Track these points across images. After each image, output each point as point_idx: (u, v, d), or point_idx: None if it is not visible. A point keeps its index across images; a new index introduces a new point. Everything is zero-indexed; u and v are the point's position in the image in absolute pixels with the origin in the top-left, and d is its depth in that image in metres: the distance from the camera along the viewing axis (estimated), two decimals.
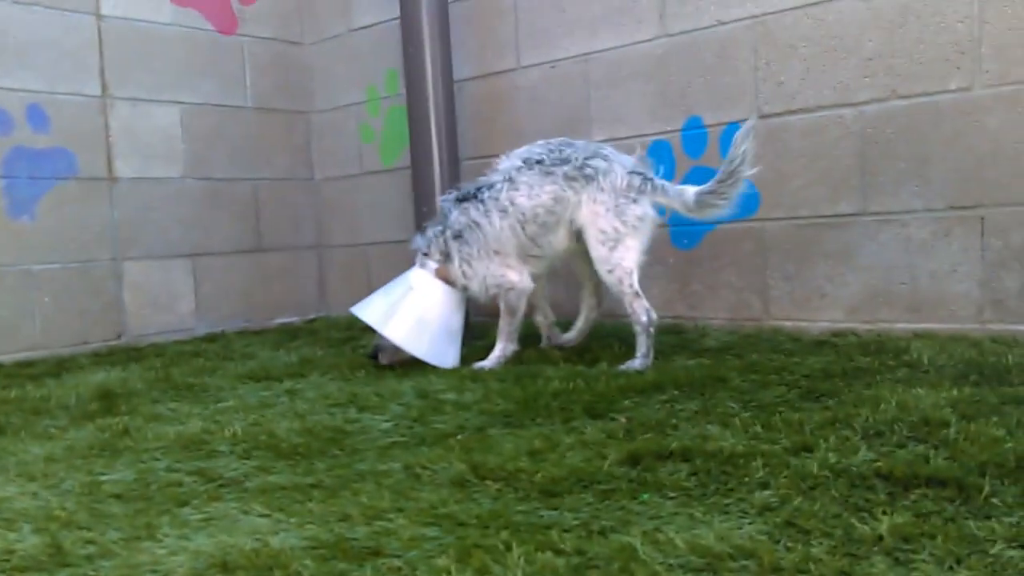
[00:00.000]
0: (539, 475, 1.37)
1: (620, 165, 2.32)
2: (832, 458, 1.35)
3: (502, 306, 2.42)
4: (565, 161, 2.33)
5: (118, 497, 1.37)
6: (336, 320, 3.68)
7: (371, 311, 2.41)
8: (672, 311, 2.89)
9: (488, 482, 1.38)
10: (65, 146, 3.08)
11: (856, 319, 2.54)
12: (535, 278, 2.46)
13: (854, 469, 1.30)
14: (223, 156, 3.55)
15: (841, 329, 2.54)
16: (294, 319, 3.78)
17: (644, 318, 2.28)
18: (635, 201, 2.29)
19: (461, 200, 2.41)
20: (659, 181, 2.33)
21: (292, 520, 1.22)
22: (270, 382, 2.34)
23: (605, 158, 2.33)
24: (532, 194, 2.33)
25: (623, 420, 1.70)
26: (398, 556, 1.07)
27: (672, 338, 2.65)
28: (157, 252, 3.34)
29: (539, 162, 2.35)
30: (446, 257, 2.41)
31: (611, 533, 1.12)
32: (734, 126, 2.71)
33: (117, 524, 1.24)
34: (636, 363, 2.25)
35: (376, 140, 3.71)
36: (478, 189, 2.39)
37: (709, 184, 2.28)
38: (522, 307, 2.43)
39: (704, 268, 2.82)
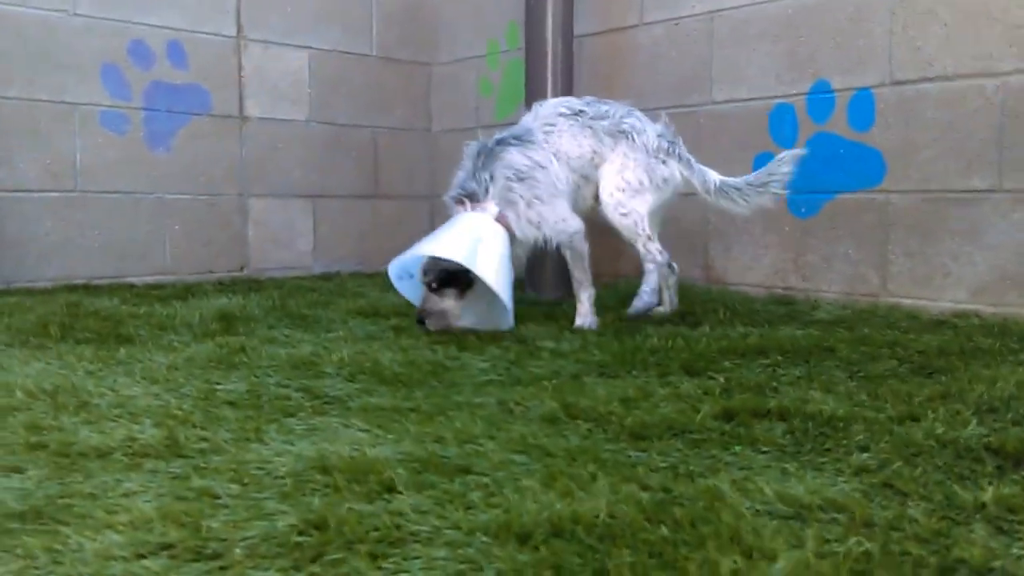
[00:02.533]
0: (629, 419, 1.37)
1: (651, 127, 2.36)
2: (939, 429, 1.30)
3: (571, 253, 2.31)
4: (604, 117, 2.33)
5: (231, 404, 1.45)
6: None
7: (453, 250, 2.10)
8: (784, 282, 2.81)
9: (578, 421, 1.39)
10: (201, 83, 3.25)
11: (981, 301, 2.40)
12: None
13: (962, 441, 1.24)
14: (346, 102, 3.66)
15: (963, 310, 2.41)
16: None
17: (660, 257, 2.35)
18: (664, 163, 2.32)
19: (507, 144, 2.25)
20: (685, 152, 2.36)
21: (390, 436, 1.27)
22: (378, 319, 2.42)
23: (639, 119, 2.36)
24: (576, 143, 2.31)
25: (721, 380, 1.68)
26: (487, 475, 1.10)
27: (781, 308, 2.58)
28: (280, 191, 3.48)
29: (579, 113, 2.33)
30: (506, 202, 2.21)
31: (698, 477, 1.11)
32: (864, 92, 2.59)
33: (228, 427, 1.32)
34: (642, 299, 2.38)
35: (494, 94, 3.73)
36: (515, 136, 2.27)
37: (737, 180, 2.33)
38: (587, 249, 2.32)
39: (820, 239, 2.72)
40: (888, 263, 2.59)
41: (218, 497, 1.02)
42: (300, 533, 0.91)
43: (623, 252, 3.23)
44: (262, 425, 1.33)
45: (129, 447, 1.20)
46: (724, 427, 1.36)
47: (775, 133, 2.80)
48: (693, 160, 2.35)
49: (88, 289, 2.88)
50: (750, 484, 1.07)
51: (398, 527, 0.92)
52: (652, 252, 2.34)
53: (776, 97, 2.79)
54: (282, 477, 1.09)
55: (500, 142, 2.25)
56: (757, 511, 0.99)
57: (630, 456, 1.21)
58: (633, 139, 2.32)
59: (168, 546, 0.89)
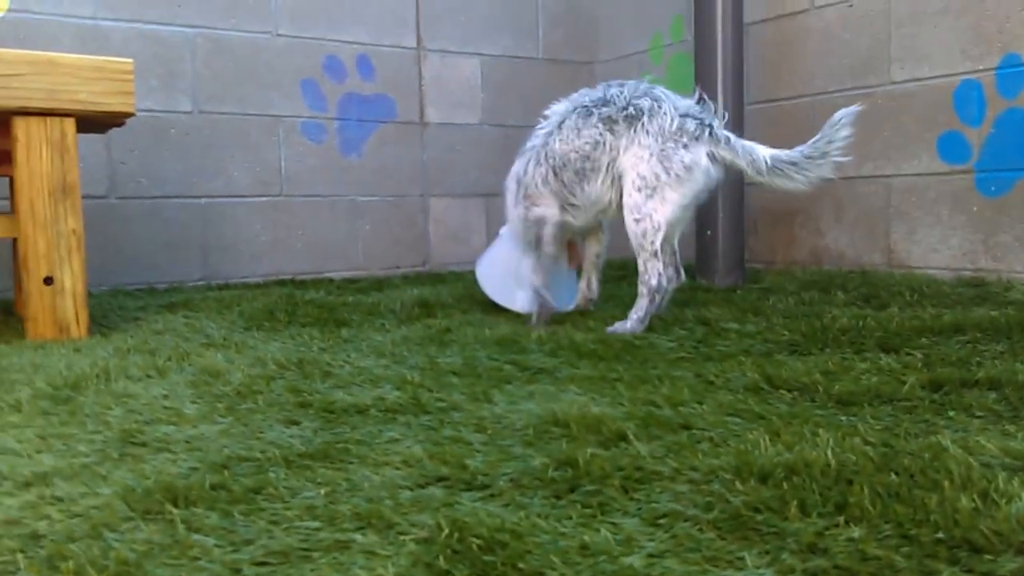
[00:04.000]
0: (836, 388, 1.41)
1: (672, 106, 2.07)
2: None
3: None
4: (607, 103, 2.12)
5: (454, 373, 1.60)
6: (611, 261, 3.84)
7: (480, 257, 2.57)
8: (973, 263, 2.72)
9: (782, 391, 1.45)
10: (387, 93, 3.50)
11: None
12: (578, 231, 2.33)
13: None
14: (515, 105, 3.82)
15: None
16: None
17: (654, 281, 2.08)
18: (685, 147, 2.04)
19: (521, 155, 2.34)
20: (722, 132, 2.07)
21: (605, 399, 1.38)
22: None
23: (655, 99, 2.09)
24: (566, 139, 2.16)
25: (918, 356, 1.68)
26: (708, 431, 1.18)
27: (971, 291, 2.50)
28: (457, 191, 3.69)
29: (586, 106, 2.16)
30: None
31: (917, 437, 1.15)
32: None
33: (458, 390, 1.47)
34: (627, 324, 2.06)
35: None
36: (535, 137, 2.28)
37: (792, 154, 2.02)
38: (547, 235, 2.24)
39: (1014, 217, 2.62)
40: None
41: (470, 443, 1.16)
42: (554, 470, 1.02)
43: (795, 238, 3.22)
44: (487, 389, 1.47)
45: (380, 405, 1.37)
46: (933, 396, 1.38)
47: (961, 111, 2.71)
48: (735, 138, 2.08)
49: (295, 283, 3.17)
50: (971, 442, 1.10)
51: (639, 468, 1.02)
52: (649, 272, 2.08)
53: (961, 74, 2.71)
54: (521, 428, 1.22)
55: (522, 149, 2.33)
56: (984, 464, 1.02)
57: (842, 420, 1.26)
58: (643, 123, 2.06)
59: (442, 479, 1.03)
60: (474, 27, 3.70)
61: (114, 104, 1.95)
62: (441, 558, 0.79)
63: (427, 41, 3.59)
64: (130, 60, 2.00)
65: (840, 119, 1.97)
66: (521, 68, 3.84)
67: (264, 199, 3.29)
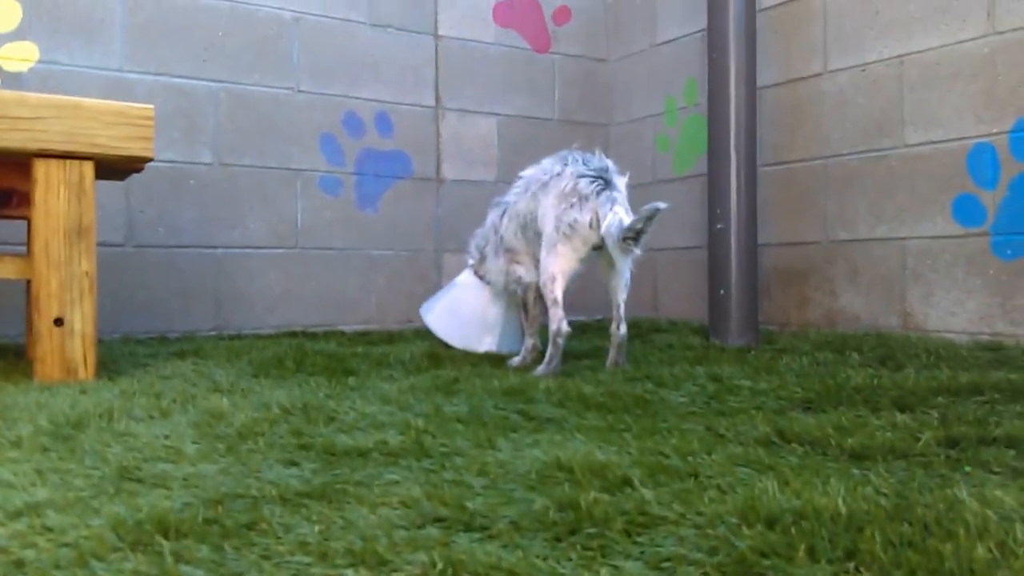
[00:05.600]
0: (849, 442, 1.38)
1: (573, 169, 2.22)
2: None
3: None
4: (537, 177, 2.34)
5: (459, 421, 1.58)
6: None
7: (426, 305, 2.79)
8: (990, 327, 2.68)
9: (793, 445, 1.41)
10: (404, 149, 3.55)
11: None
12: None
13: None
14: (531, 164, 3.85)
15: None
16: (582, 317, 3.98)
17: (554, 326, 2.25)
18: (572, 206, 2.18)
19: (495, 207, 2.58)
20: (612, 193, 2.16)
21: (612, 448, 1.35)
22: (569, 359, 2.52)
23: (564, 162, 2.27)
24: (523, 207, 2.38)
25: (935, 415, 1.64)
26: (716, 478, 1.15)
27: (989, 354, 2.46)
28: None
29: (538, 177, 2.36)
30: (482, 257, 2.61)
31: (931, 491, 1.11)
32: None
33: (463, 437, 1.44)
34: (538, 369, 2.25)
35: (671, 149, 3.83)
36: (507, 198, 2.52)
37: (624, 229, 2.09)
38: (528, 299, 2.50)
39: None
40: None
41: (471, 486, 1.13)
42: (556, 512, 0.99)
43: (809, 299, 3.20)
44: (492, 436, 1.44)
45: (383, 448, 1.35)
46: (949, 452, 1.34)
47: (975, 174, 2.71)
48: (621, 201, 2.17)
49: (306, 335, 3.17)
50: (988, 495, 1.07)
51: (644, 513, 0.99)
52: (551, 319, 2.26)
53: (974, 137, 2.72)
54: (525, 473, 1.19)
55: (493, 205, 2.62)
56: (1003, 516, 0.98)
57: (855, 473, 1.22)
58: (549, 188, 2.25)
59: (440, 519, 1.00)
60: (492, 87, 3.77)
61: (133, 148, 1.99)
62: None
63: (446, 100, 3.65)
64: (150, 106, 2.04)
65: (643, 213, 2.04)
66: (537, 128, 3.90)
67: (279, 251, 3.31)
